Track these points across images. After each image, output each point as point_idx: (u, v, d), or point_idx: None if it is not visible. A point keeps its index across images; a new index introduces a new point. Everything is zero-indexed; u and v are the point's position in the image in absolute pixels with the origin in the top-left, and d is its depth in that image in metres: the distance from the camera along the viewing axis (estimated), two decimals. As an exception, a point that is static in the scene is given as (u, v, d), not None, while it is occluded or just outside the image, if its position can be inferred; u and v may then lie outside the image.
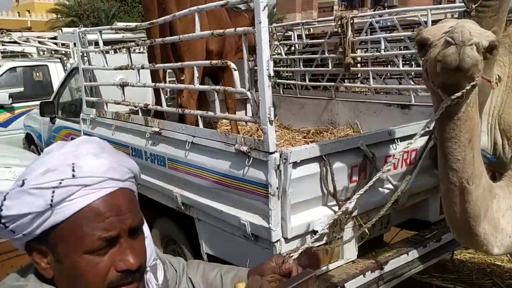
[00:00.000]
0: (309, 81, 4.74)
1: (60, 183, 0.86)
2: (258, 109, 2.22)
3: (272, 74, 2.15)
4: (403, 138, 2.71)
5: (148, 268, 1.05)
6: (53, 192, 0.86)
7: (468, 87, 1.52)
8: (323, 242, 2.48)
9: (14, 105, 7.37)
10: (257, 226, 2.35)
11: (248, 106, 5.33)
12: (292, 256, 1.23)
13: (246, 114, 5.13)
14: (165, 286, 1.19)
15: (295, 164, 2.25)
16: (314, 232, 2.37)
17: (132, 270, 0.92)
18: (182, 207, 2.93)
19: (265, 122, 2.18)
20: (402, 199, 2.78)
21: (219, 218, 2.63)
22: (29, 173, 0.89)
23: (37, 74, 7.86)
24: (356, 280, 2.49)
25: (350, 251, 2.63)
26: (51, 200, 0.85)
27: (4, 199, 0.87)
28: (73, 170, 0.88)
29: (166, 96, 4.47)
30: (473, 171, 1.66)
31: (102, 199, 0.90)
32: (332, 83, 4.51)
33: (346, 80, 4.90)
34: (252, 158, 2.32)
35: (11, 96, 7.18)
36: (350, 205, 2.50)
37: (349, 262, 2.63)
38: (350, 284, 2.46)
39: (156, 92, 3.64)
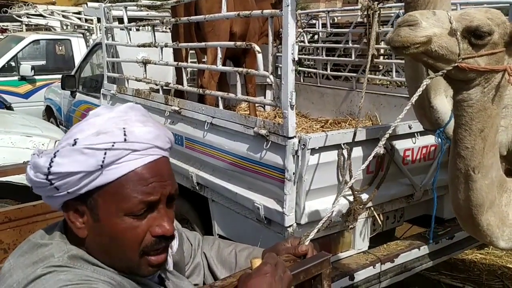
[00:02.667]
0: (330, 70, 4.70)
1: (113, 145, 0.88)
2: (280, 93, 2.21)
3: (296, 58, 2.13)
4: (423, 133, 2.68)
5: None
6: (105, 153, 0.88)
7: (448, 68, 1.53)
8: (336, 230, 2.49)
9: (36, 77, 7.45)
10: (270, 210, 2.35)
11: (268, 92, 5.32)
12: (308, 238, 1.23)
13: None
14: (180, 255, 1.21)
15: (313, 151, 2.25)
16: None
17: (166, 236, 0.95)
18: (197, 187, 2.95)
19: (286, 106, 2.18)
20: (417, 193, 2.77)
21: (233, 200, 2.64)
22: (79, 133, 0.91)
23: (60, 48, 7.93)
24: (366, 271, 2.49)
25: (362, 241, 2.63)
26: (102, 161, 0.88)
27: (54, 156, 0.89)
28: (125, 135, 0.90)
29: (187, 77, 4.49)
30: (481, 161, 1.65)
31: (148, 165, 0.93)
32: (354, 74, 4.47)
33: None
34: (270, 142, 2.32)
35: (33, 68, 7.26)
36: (365, 196, 2.50)
37: (360, 253, 2.63)
38: (360, 274, 2.46)
39: (178, 71, 3.65)
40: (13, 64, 7.58)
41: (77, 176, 0.88)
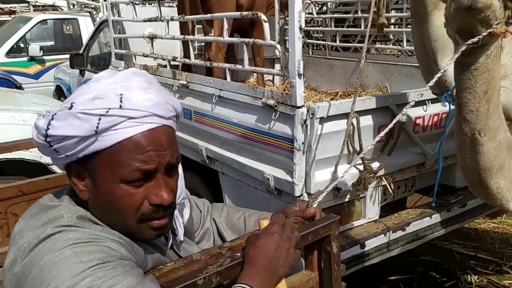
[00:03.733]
0: (339, 42, 4.63)
1: (107, 111, 0.88)
2: (287, 62, 2.19)
3: (303, 26, 2.09)
4: (434, 100, 2.64)
5: (176, 206, 1.07)
6: (99, 119, 0.87)
7: (484, 34, 1.48)
8: (347, 200, 2.49)
9: (45, 57, 7.48)
10: (280, 180, 2.36)
11: (276, 66, 5.26)
12: (316, 201, 1.23)
13: (273, 76, 5.07)
14: (190, 224, 1.22)
15: (322, 120, 2.23)
16: (338, 189, 2.37)
17: (164, 206, 0.94)
18: (207, 161, 2.96)
19: (294, 75, 2.15)
20: (429, 162, 2.75)
21: (243, 172, 2.65)
22: (77, 97, 0.91)
23: (67, 27, 7.92)
24: (377, 239, 2.50)
25: (372, 210, 2.63)
26: (97, 127, 0.87)
27: (52, 119, 0.90)
28: (121, 101, 0.89)
29: (195, 53, 4.46)
30: (487, 124, 1.63)
31: (145, 133, 0.91)
32: (363, 44, 4.38)
33: (377, 42, 4.76)
34: (278, 112, 2.30)
35: (42, 48, 7.28)
36: (375, 164, 2.49)
37: (370, 222, 2.63)
38: (371, 242, 2.47)
39: (185, 45, 3.63)
40: (22, 45, 7.61)
41: (73, 140, 0.88)
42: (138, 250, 0.94)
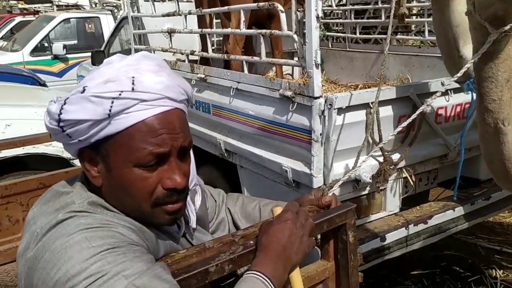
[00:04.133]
0: (359, 34, 4.56)
1: (120, 94, 0.87)
2: (305, 52, 2.16)
3: (320, 14, 2.06)
4: (457, 90, 2.57)
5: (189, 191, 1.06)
6: (112, 102, 0.87)
7: None
8: (366, 192, 2.45)
9: (68, 55, 7.61)
10: (298, 172, 2.33)
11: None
12: (332, 189, 1.21)
13: (292, 70, 5.04)
14: (203, 211, 1.21)
15: (340, 110, 2.19)
16: (357, 181, 2.34)
17: (178, 189, 0.94)
18: (225, 154, 2.96)
19: (311, 65, 2.12)
20: (451, 153, 2.68)
21: (261, 164, 2.64)
22: (89, 81, 0.90)
23: (89, 26, 8.04)
24: (398, 232, 2.45)
25: (393, 203, 2.58)
26: (110, 110, 0.87)
27: (65, 103, 0.89)
28: (133, 84, 0.88)
29: (213, 47, 4.46)
30: (510, 113, 1.58)
31: (157, 116, 0.91)
32: (384, 36, 4.31)
33: (399, 33, 4.67)
34: (296, 103, 2.28)
35: (65, 47, 7.41)
36: (395, 156, 2.44)
37: (391, 215, 2.58)
38: (391, 236, 2.42)
39: (203, 39, 3.63)
40: (45, 44, 7.76)
41: (86, 124, 0.88)
42: (150, 236, 0.93)
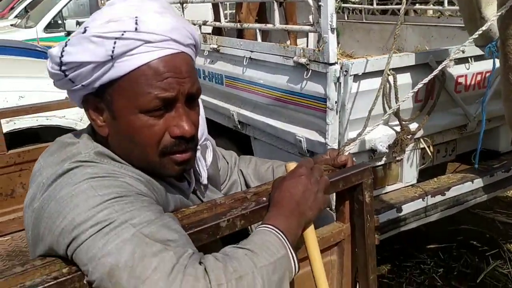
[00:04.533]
0: (376, 4, 4.43)
1: (122, 34, 0.83)
2: (320, 16, 2.09)
3: (336, -24, 1.98)
4: (477, 58, 2.48)
5: (198, 147, 1.02)
6: (115, 43, 0.82)
7: None
8: (383, 163, 2.39)
9: (82, 32, 7.57)
10: (313, 142, 2.29)
11: (310, 35, 5.12)
12: (348, 148, 1.17)
13: (307, 43, 4.95)
14: (215, 171, 1.18)
15: (356, 77, 2.13)
16: (373, 151, 2.28)
17: (186, 138, 0.90)
18: (239, 126, 2.92)
19: (326, 30, 2.05)
20: (471, 123, 2.60)
21: (275, 135, 2.60)
22: (91, 22, 0.86)
23: (102, 1, 7.96)
24: (415, 203, 2.40)
25: (410, 174, 2.53)
26: (112, 51, 0.83)
27: (66, 45, 0.85)
28: (136, 23, 0.84)
29: (226, 20, 4.39)
30: None
31: (163, 59, 0.86)
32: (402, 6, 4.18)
33: (417, 3, 4.53)
34: (310, 70, 2.22)
35: (78, 23, 7.36)
36: (413, 125, 2.38)
37: (408, 186, 2.53)
38: (408, 207, 2.37)
39: (215, 9, 3.56)
40: (59, 21, 7.73)
41: (89, 67, 0.84)
42: (159, 189, 0.90)
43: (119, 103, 0.87)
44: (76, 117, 3.20)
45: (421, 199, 2.43)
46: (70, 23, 7.35)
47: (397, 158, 2.37)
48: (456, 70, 2.45)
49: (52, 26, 7.58)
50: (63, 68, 0.85)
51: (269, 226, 0.85)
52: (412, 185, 2.54)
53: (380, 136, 2.29)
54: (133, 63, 0.84)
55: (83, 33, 0.84)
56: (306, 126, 2.37)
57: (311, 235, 0.95)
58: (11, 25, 8.38)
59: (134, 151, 0.89)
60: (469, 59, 2.47)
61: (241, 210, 0.92)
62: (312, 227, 0.96)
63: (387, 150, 2.29)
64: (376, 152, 2.28)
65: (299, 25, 4.11)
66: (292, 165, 0.99)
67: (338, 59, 2.14)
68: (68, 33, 7.51)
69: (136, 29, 0.83)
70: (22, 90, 3.13)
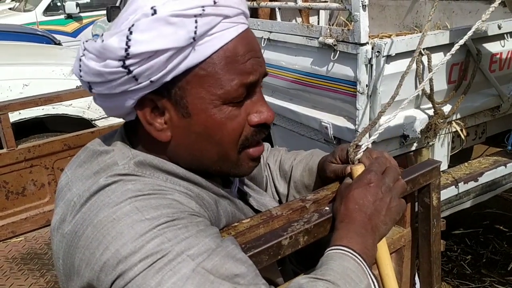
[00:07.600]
0: (392, -21, 4.22)
1: (203, 10, 0.67)
2: (350, -8, 1.92)
3: None
4: (514, 34, 2.32)
5: None
6: (196, 21, 0.67)
7: None
8: (413, 148, 2.25)
9: (82, 14, 7.36)
10: (341, 128, 2.15)
11: (321, 13, 4.91)
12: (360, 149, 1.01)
13: (318, 24, 4.74)
14: (258, 168, 1.03)
15: (389, 58, 1.97)
16: (405, 136, 2.14)
17: (267, 125, 0.78)
18: (256, 111, 2.77)
19: (358, 7, 1.89)
20: (504, 104, 2.45)
21: (297, 121, 2.45)
22: (150, 0, 0.67)
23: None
24: (448, 191, 2.27)
25: (441, 160, 2.38)
26: (195, 32, 0.67)
27: (130, 33, 0.66)
28: None
29: None
30: None
31: (240, 36, 0.72)
32: (420, -20, 3.98)
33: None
34: (338, 52, 2.06)
35: (78, 5, 7.16)
36: (446, 108, 2.23)
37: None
38: (441, 195, 2.23)
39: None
40: (58, 3, 7.52)
41: (165, 55, 0.66)
42: (209, 204, 0.75)
43: (196, 96, 0.71)
44: (83, 104, 3.04)
45: (453, 186, 2.30)
46: (70, 5, 7.15)
47: (430, 143, 2.23)
48: (491, 48, 2.29)
49: (51, 8, 7.37)
50: (128, 62, 0.66)
51: (344, 248, 0.71)
52: (443, 171, 2.40)
53: (412, 120, 2.15)
54: (213, 45, 0.69)
55: (152, 14, 0.66)
56: (332, 111, 2.22)
57: (383, 250, 0.82)
58: (9, 8, 8.17)
59: (209, 152, 0.75)
60: (505, 35, 2.31)
61: (304, 223, 0.79)
62: (384, 240, 0.82)
63: (419, 136, 2.15)
64: (408, 138, 2.14)
65: (321, 2, 3.93)
66: (359, 169, 0.85)
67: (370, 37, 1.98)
68: (69, 16, 7.32)
69: (215, 2, 0.68)
70: (26, 78, 2.98)
